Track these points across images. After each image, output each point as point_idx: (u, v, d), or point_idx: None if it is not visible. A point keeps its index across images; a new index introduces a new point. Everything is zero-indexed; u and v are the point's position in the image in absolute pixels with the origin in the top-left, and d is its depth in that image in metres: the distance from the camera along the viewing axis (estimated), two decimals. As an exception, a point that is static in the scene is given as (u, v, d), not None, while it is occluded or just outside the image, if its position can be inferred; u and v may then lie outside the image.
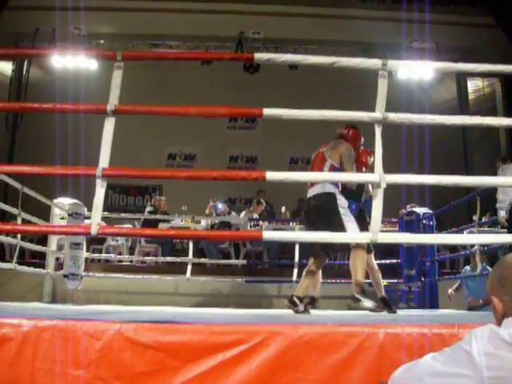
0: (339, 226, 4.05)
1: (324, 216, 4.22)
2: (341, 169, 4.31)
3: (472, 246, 6.12)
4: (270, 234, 3.02)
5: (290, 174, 2.98)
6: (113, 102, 2.67)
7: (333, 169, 4.31)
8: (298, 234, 2.75)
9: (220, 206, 9.99)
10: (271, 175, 2.72)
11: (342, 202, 4.26)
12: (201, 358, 1.94)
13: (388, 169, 2.74)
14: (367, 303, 3.94)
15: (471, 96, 13.27)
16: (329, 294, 7.81)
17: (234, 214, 10.18)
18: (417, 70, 11.78)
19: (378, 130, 2.74)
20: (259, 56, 2.89)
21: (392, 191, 2.89)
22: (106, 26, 11.67)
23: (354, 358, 1.97)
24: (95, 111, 2.75)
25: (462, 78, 13.11)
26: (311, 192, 4.37)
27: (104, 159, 2.62)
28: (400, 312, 5.86)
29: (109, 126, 2.67)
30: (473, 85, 13.28)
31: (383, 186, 2.66)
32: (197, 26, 10.76)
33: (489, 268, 6.51)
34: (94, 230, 2.56)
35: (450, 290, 6.78)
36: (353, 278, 4.11)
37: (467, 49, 11.24)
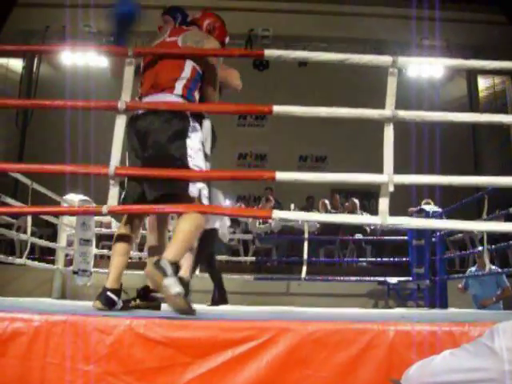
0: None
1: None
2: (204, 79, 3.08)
3: (482, 244, 6.09)
4: (279, 214, 3.00)
5: (299, 174, 2.97)
6: (124, 98, 2.69)
7: (195, 75, 3.02)
8: (307, 215, 2.74)
9: (228, 203, 10.01)
10: (281, 176, 2.72)
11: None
12: (210, 355, 1.95)
13: (397, 168, 2.71)
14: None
15: (482, 94, 13.21)
16: (341, 292, 7.83)
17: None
18: (427, 68, 11.75)
19: (387, 128, 2.72)
20: (269, 52, 2.89)
21: (402, 189, 2.87)
22: (115, 24, 11.69)
23: (364, 355, 1.96)
24: (106, 108, 2.76)
25: (472, 76, 13.06)
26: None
27: (115, 156, 2.63)
28: (409, 310, 5.84)
29: (120, 122, 2.68)
30: (483, 83, 13.22)
31: (391, 189, 2.64)
32: (206, 24, 10.76)
33: (493, 267, 6.49)
34: (105, 210, 2.60)
35: (459, 286, 6.78)
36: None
37: (478, 46, 11.19)
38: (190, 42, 3.05)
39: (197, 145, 2.86)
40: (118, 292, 2.84)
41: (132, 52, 2.79)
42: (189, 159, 2.79)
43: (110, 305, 2.74)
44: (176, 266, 2.53)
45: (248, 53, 3.27)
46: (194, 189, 2.76)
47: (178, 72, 2.94)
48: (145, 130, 2.80)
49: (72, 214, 6.08)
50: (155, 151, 2.78)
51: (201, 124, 3.11)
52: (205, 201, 2.81)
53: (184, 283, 2.78)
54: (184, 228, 2.67)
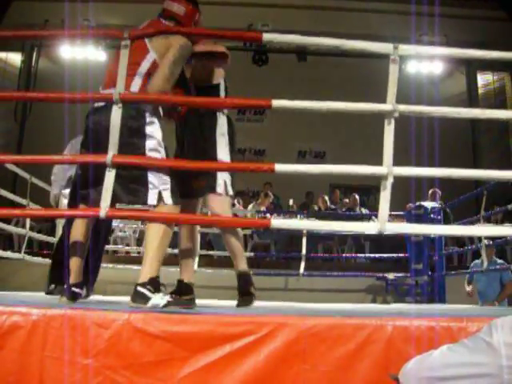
0: None
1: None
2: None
3: (480, 240, 6.09)
4: (277, 222, 3.02)
5: (299, 166, 2.96)
6: (120, 89, 2.65)
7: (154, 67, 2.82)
8: (305, 223, 2.74)
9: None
10: (280, 167, 2.71)
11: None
12: (209, 349, 1.95)
13: (396, 164, 2.70)
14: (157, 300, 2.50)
15: (481, 90, 13.20)
16: (339, 288, 7.84)
17: (238, 206, 10.17)
18: (426, 64, 11.74)
19: (388, 122, 2.69)
20: (268, 37, 2.84)
21: (400, 184, 2.86)
22: (114, 18, 11.65)
23: (362, 350, 1.97)
24: (102, 100, 2.73)
25: (471, 73, 13.04)
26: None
27: (113, 146, 2.61)
28: (407, 306, 5.85)
29: (117, 112, 2.64)
30: (482, 79, 13.20)
31: (390, 180, 2.63)
32: (206, 18, 10.64)
33: (499, 261, 6.51)
34: (102, 213, 2.57)
35: (467, 289, 6.75)
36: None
37: (477, 43, 11.12)
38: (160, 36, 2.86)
39: (156, 143, 2.76)
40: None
41: (128, 34, 2.71)
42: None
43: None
44: (153, 280, 2.56)
45: (244, 35, 3.20)
46: (152, 196, 2.68)
47: (136, 67, 2.79)
48: (105, 123, 2.69)
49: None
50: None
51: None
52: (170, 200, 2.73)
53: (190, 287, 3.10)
54: (152, 243, 2.64)
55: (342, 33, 11.35)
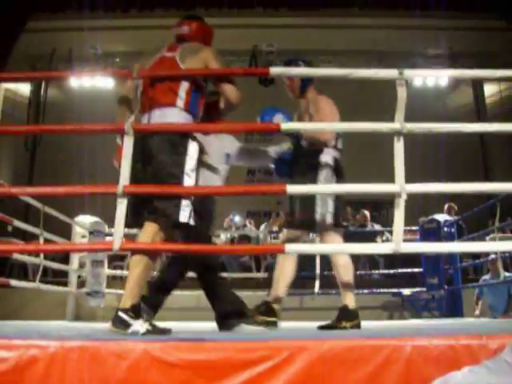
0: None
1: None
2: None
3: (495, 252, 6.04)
4: (292, 248, 3.02)
5: (311, 186, 2.97)
6: (131, 120, 2.70)
7: (195, 87, 2.97)
8: (320, 247, 2.75)
9: (237, 219, 10.02)
10: (291, 189, 2.72)
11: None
12: (227, 376, 1.93)
13: (405, 178, 2.70)
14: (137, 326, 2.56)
15: (488, 101, 13.17)
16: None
17: (249, 226, 10.16)
18: (432, 77, 11.76)
19: (397, 141, 2.70)
20: (275, 70, 2.90)
21: (411, 198, 2.85)
22: (120, 45, 11.79)
23: (382, 371, 1.94)
24: (115, 131, 2.76)
25: (478, 83, 13.03)
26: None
27: (124, 176, 2.64)
28: (425, 322, 5.79)
29: (128, 143, 2.69)
30: (489, 89, 13.19)
31: (404, 197, 2.63)
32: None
33: (507, 274, 6.45)
34: (116, 245, 2.60)
35: (476, 312, 6.70)
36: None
37: (482, 53, 11.17)
38: (188, 54, 3.00)
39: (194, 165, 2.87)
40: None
41: (138, 74, 2.82)
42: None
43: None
44: (134, 306, 2.64)
45: (253, 71, 3.28)
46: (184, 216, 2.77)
47: (176, 86, 2.91)
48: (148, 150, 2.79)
49: (82, 250, 6.08)
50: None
51: None
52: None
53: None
54: (134, 270, 2.70)
55: (347, 50, 11.48)
